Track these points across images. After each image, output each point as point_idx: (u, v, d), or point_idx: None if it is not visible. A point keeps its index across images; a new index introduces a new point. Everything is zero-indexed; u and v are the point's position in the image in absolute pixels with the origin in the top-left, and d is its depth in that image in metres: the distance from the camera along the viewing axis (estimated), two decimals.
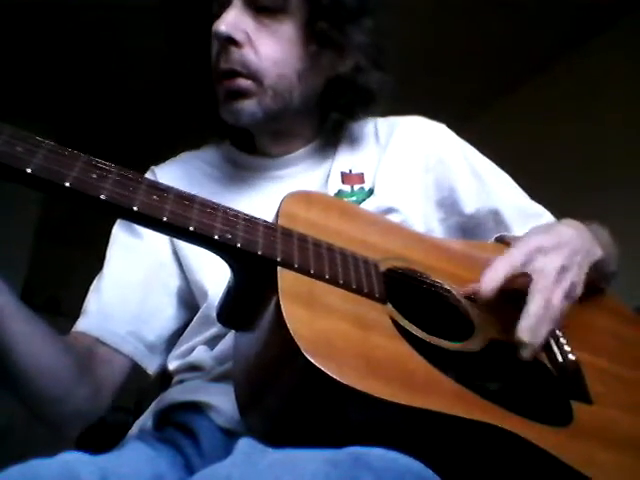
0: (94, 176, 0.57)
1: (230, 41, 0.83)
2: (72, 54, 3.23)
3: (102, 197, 0.57)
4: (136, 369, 0.89)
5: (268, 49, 0.84)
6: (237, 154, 0.98)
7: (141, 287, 0.89)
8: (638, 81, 2.51)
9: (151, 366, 0.90)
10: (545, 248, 0.73)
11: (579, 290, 0.74)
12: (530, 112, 3.00)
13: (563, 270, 0.72)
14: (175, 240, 0.91)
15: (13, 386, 0.76)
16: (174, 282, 0.91)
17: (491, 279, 0.70)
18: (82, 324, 0.87)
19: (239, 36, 0.83)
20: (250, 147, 0.97)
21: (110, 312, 0.87)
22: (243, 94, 0.85)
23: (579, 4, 2.60)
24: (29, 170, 0.55)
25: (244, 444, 0.56)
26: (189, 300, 0.91)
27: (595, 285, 0.85)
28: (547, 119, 2.86)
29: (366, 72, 0.89)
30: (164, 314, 0.90)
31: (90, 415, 0.84)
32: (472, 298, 0.75)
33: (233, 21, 0.83)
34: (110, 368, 0.85)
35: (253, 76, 0.84)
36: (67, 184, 0.56)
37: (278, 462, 0.50)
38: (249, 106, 0.85)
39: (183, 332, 0.92)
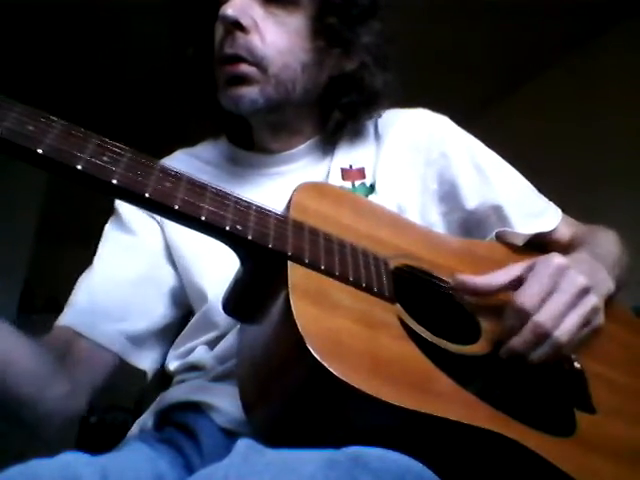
0: (106, 159, 0.56)
1: (237, 25, 0.82)
2: (71, 52, 3.23)
3: (114, 182, 0.55)
4: (132, 370, 0.87)
5: (275, 37, 0.83)
6: (235, 151, 0.97)
7: (133, 285, 0.88)
8: (638, 81, 2.51)
9: (142, 362, 0.87)
10: (568, 266, 0.70)
11: (600, 319, 0.72)
12: (531, 112, 3.00)
13: (585, 291, 0.70)
14: (170, 240, 0.90)
15: None
16: (168, 280, 0.90)
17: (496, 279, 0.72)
18: (68, 318, 0.85)
19: (246, 21, 0.82)
20: (248, 144, 0.96)
21: (100, 309, 0.85)
22: (245, 80, 0.83)
23: (581, 5, 2.60)
24: (40, 151, 0.53)
25: (242, 445, 0.55)
26: (181, 299, 0.90)
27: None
28: (548, 119, 2.86)
29: (371, 72, 0.88)
30: (155, 312, 0.89)
31: (66, 414, 0.81)
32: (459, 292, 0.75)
33: (241, 6, 0.82)
34: (91, 365, 0.83)
35: (258, 63, 0.83)
36: (79, 167, 0.54)
37: (276, 463, 0.50)
38: (251, 93, 0.83)
39: (174, 329, 0.91)
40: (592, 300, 0.70)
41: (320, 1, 0.84)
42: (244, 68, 0.83)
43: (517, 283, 0.71)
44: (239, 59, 0.83)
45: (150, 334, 0.88)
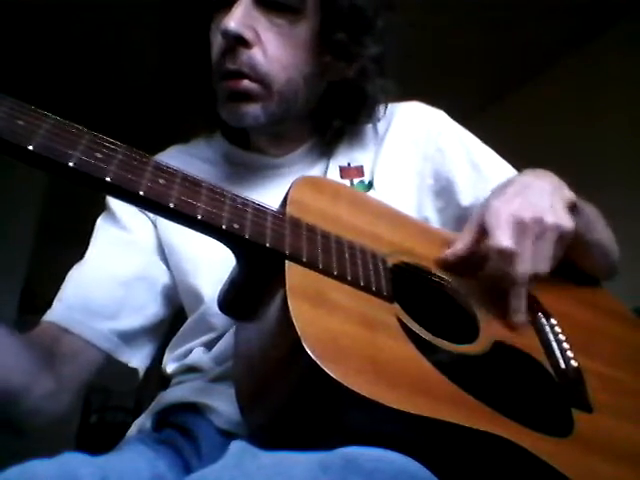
0: (99, 156, 0.55)
1: (239, 41, 0.79)
2: (65, 50, 3.23)
3: (107, 179, 0.54)
4: (130, 370, 0.86)
5: (278, 51, 0.81)
6: (232, 149, 0.95)
7: (126, 282, 0.86)
8: (638, 81, 2.51)
9: (133, 360, 0.86)
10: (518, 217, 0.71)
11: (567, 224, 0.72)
12: (530, 113, 3.00)
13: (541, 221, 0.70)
14: (163, 238, 0.89)
15: None
16: (160, 278, 0.89)
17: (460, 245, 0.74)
18: (57, 314, 0.82)
19: (248, 35, 0.79)
20: (244, 142, 0.95)
21: (91, 305, 0.83)
22: (248, 97, 0.81)
23: (580, 5, 2.60)
24: (31, 147, 0.52)
25: (236, 447, 0.55)
26: (173, 297, 0.90)
27: (587, 260, 0.86)
28: (547, 119, 2.86)
29: (372, 79, 0.87)
30: (147, 310, 0.87)
31: (51, 413, 0.78)
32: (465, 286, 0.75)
33: (243, 19, 0.78)
34: (79, 363, 0.81)
35: (261, 79, 0.80)
36: (71, 164, 0.53)
37: (268, 465, 0.50)
38: (253, 110, 0.81)
39: (164, 327, 0.90)
40: (551, 226, 0.71)
41: (325, 11, 0.81)
42: (246, 85, 0.80)
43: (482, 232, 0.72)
44: (241, 75, 0.80)
45: (141, 332, 0.87)
